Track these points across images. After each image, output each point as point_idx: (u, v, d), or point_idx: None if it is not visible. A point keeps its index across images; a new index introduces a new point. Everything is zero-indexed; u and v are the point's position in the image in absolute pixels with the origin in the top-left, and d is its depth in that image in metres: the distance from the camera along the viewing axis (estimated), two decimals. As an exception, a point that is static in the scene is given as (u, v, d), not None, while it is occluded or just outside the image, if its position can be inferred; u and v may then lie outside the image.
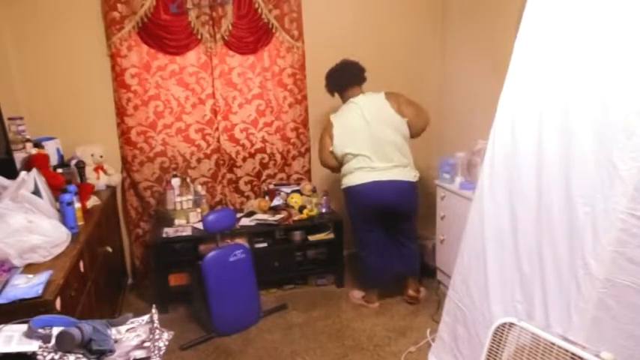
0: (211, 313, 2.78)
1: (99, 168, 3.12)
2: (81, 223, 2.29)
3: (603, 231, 1.53)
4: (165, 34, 3.17)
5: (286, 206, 3.41)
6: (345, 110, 2.97)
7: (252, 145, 3.53)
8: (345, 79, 2.99)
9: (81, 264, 2.09)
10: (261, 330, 2.88)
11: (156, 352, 1.31)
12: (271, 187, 3.57)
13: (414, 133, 2.97)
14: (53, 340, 1.26)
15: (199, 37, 3.23)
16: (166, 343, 1.36)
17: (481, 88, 3.19)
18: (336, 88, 3.03)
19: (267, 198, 3.51)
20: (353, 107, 2.92)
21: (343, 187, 3.02)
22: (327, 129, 3.01)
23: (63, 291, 1.72)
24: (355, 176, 2.93)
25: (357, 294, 3.23)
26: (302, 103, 3.56)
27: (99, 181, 3.07)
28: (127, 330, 1.43)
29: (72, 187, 2.31)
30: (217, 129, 3.43)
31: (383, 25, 3.62)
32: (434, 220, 3.31)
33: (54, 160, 2.82)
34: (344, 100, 3.02)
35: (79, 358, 1.24)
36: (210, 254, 2.78)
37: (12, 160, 2.39)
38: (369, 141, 2.87)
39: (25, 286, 1.62)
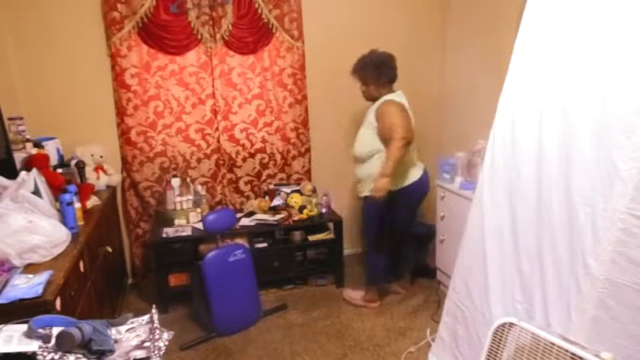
0: (211, 313, 2.78)
1: (99, 168, 3.12)
2: (81, 223, 2.29)
3: (603, 231, 1.53)
4: (165, 34, 3.17)
5: (286, 206, 3.41)
6: (400, 97, 2.83)
7: (252, 145, 3.52)
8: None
9: (81, 264, 2.09)
10: (261, 330, 2.88)
11: (156, 352, 1.31)
12: (271, 187, 3.57)
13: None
14: (53, 340, 1.26)
15: (199, 37, 3.23)
16: (166, 343, 1.36)
17: (481, 88, 3.19)
18: (393, 79, 2.86)
19: (267, 198, 3.51)
20: (404, 100, 2.84)
21: (406, 184, 2.82)
22: (398, 106, 2.72)
23: (63, 291, 1.72)
24: (413, 171, 2.87)
25: (355, 294, 3.20)
26: (302, 103, 3.56)
27: (99, 181, 3.06)
28: (127, 330, 1.43)
29: (72, 187, 2.31)
30: (217, 129, 3.42)
31: (383, 25, 3.61)
32: (434, 220, 3.31)
33: (54, 160, 2.82)
34: (388, 90, 2.83)
35: (79, 358, 1.24)
36: (210, 254, 2.78)
37: (12, 160, 2.39)
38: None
39: (25, 286, 1.62)
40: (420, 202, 3.01)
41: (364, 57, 2.85)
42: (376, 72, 2.80)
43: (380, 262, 3.07)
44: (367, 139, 2.81)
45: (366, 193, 2.86)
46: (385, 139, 2.73)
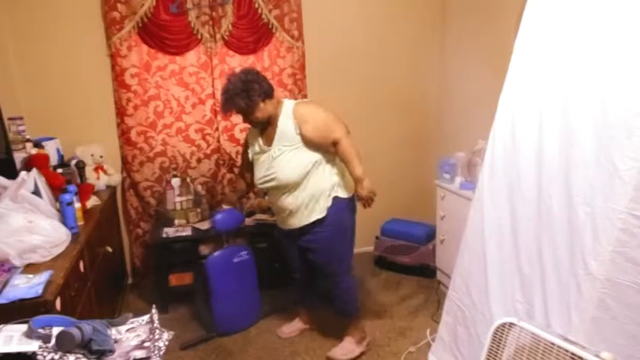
0: (213, 313, 2.78)
1: (99, 168, 3.12)
2: (81, 223, 2.29)
3: (603, 231, 1.53)
4: (165, 34, 3.17)
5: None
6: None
7: (252, 145, 3.52)
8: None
9: (81, 264, 2.09)
10: (261, 330, 2.88)
11: (156, 352, 1.31)
12: (271, 187, 3.57)
13: None
14: (53, 340, 1.26)
15: (199, 37, 3.23)
16: (166, 343, 1.36)
17: (481, 88, 3.19)
18: (269, 91, 2.41)
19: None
20: None
21: (350, 193, 2.47)
22: (313, 103, 2.52)
23: (63, 291, 1.72)
24: (349, 179, 2.47)
25: (347, 348, 2.59)
26: (302, 103, 3.56)
27: (99, 181, 3.06)
28: (127, 330, 1.43)
29: (72, 187, 2.31)
30: (217, 129, 3.42)
31: (383, 25, 3.62)
32: (434, 220, 3.32)
33: (54, 160, 2.82)
34: (274, 107, 2.41)
35: (79, 358, 1.24)
36: (216, 254, 2.77)
37: (12, 160, 2.39)
38: None
39: (25, 286, 1.62)
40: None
41: (225, 89, 2.36)
42: (247, 93, 2.30)
43: (355, 285, 2.67)
44: (297, 157, 2.34)
45: (323, 210, 2.38)
46: (320, 145, 2.34)
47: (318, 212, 2.40)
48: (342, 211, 2.43)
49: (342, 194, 2.43)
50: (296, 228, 2.47)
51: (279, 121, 2.37)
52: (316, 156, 2.36)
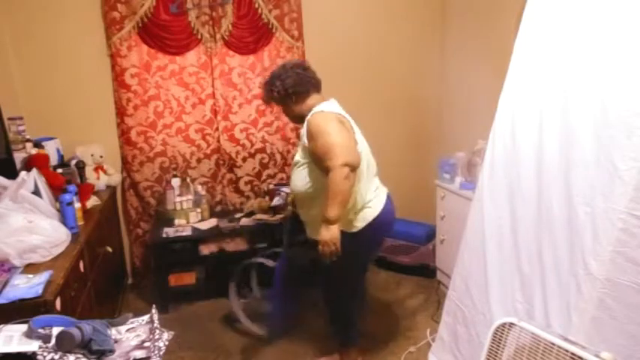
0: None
1: (99, 168, 3.12)
2: (81, 223, 2.30)
3: (603, 231, 1.53)
4: (165, 34, 3.17)
5: (286, 206, 3.40)
6: (332, 106, 2.16)
7: (252, 145, 3.52)
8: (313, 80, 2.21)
9: (81, 264, 2.09)
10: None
11: (156, 352, 1.31)
12: (271, 187, 3.57)
13: None
14: (53, 340, 1.27)
15: (199, 37, 3.23)
16: (166, 343, 1.36)
17: (481, 88, 3.19)
18: (311, 89, 2.18)
19: (267, 198, 3.51)
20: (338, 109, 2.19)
21: (371, 219, 2.14)
22: (331, 117, 2.03)
23: (63, 291, 1.72)
24: (379, 199, 2.20)
25: None
26: (302, 103, 3.56)
27: (99, 181, 3.06)
28: (127, 330, 1.43)
29: (72, 187, 2.31)
30: (217, 129, 3.42)
31: (383, 25, 3.62)
32: (434, 220, 3.31)
33: (54, 160, 2.82)
34: (305, 108, 2.15)
35: (79, 358, 1.24)
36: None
37: (12, 160, 2.39)
38: (367, 156, 2.20)
39: (25, 286, 1.62)
40: (382, 240, 2.37)
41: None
42: (269, 87, 2.15)
43: (352, 314, 2.44)
44: (309, 172, 2.09)
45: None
46: (322, 166, 1.97)
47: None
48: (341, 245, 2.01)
49: (345, 228, 2.05)
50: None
51: (303, 125, 2.10)
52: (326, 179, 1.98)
